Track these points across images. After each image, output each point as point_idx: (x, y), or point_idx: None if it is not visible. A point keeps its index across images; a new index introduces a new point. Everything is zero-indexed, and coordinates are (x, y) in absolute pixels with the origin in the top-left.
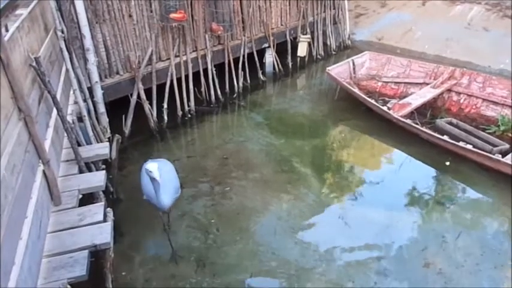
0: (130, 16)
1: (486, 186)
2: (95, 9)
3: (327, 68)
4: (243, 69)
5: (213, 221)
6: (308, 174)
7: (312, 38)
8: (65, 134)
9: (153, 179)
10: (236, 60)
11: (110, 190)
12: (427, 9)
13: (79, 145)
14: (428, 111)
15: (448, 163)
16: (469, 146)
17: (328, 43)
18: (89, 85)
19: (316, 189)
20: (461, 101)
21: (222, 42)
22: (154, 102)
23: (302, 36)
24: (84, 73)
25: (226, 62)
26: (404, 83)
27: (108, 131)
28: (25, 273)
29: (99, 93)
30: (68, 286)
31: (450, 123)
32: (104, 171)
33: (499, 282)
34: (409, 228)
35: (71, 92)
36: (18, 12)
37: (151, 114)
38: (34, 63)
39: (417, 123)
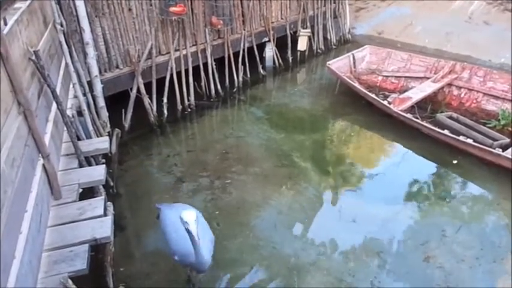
0: (129, 10)
1: (486, 180)
2: (94, 3)
3: (327, 62)
4: (243, 63)
5: (216, 212)
6: (308, 168)
7: (312, 32)
8: (65, 128)
9: (189, 233)
10: (236, 55)
11: (110, 184)
12: (427, 3)
13: (79, 139)
14: (428, 106)
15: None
16: (470, 140)
17: (329, 37)
18: (88, 79)
19: (316, 184)
20: (462, 95)
21: (222, 36)
22: (154, 96)
23: (302, 30)
24: (84, 67)
25: (226, 56)
26: (405, 77)
27: (108, 125)
28: (25, 267)
29: (98, 87)
30: (69, 280)
31: (450, 118)
32: (104, 166)
33: (498, 276)
34: (409, 222)
35: (71, 86)
36: (17, 5)
37: (151, 109)
38: (33, 57)
39: (417, 118)
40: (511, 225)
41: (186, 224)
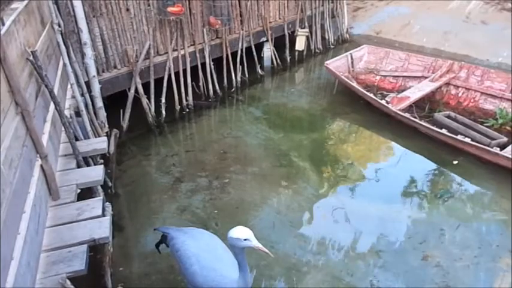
0: (127, 10)
1: (484, 179)
2: (91, 3)
3: (325, 62)
4: (241, 63)
5: (215, 212)
6: (306, 168)
7: (310, 32)
8: (63, 129)
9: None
10: (234, 55)
11: (108, 185)
12: (425, 2)
13: (77, 140)
14: (426, 105)
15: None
16: (468, 140)
17: (327, 37)
18: (86, 79)
19: (314, 183)
20: (460, 94)
21: (220, 36)
22: (152, 96)
23: (300, 30)
24: (82, 67)
25: (224, 56)
26: (403, 76)
27: (106, 125)
28: (24, 268)
29: (96, 88)
30: (67, 280)
31: (448, 117)
32: (102, 166)
33: (496, 275)
34: (408, 221)
35: (68, 86)
36: (14, 5)
37: (149, 109)
38: (31, 57)
39: (416, 117)
40: (511, 223)
41: (248, 242)
